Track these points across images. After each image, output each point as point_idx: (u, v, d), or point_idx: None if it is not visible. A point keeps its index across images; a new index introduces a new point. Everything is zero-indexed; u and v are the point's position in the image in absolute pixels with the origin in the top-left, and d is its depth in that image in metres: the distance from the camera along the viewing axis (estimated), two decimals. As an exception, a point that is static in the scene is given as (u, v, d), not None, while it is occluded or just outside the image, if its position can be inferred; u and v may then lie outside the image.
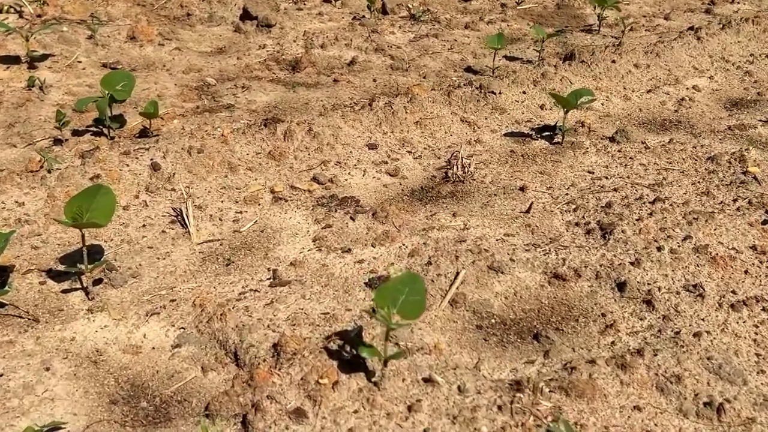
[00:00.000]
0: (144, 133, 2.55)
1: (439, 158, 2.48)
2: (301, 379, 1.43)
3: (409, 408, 1.38)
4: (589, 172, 2.39)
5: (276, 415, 1.37)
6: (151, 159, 2.24)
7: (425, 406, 1.39)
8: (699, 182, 2.26)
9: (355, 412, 1.37)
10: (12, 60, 3.06)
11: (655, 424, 1.41)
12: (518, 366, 1.56)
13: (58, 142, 2.48)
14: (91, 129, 2.60)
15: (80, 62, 3.18)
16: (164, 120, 2.68)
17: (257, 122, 2.52)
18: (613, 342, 1.63)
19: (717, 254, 1.85)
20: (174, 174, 2.22)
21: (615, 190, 2.21)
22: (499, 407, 1.38)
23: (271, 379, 1.44)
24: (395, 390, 1.41)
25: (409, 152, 2.51)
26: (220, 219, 2.10)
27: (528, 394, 1.41)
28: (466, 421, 1.35)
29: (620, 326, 1.67)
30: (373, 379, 1.43)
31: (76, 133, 2.57)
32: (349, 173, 2.36)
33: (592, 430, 1.38)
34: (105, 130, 2.54)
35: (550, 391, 1.43)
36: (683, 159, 2.45)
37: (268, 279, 1.84)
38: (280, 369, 1.47)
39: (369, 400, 1.38)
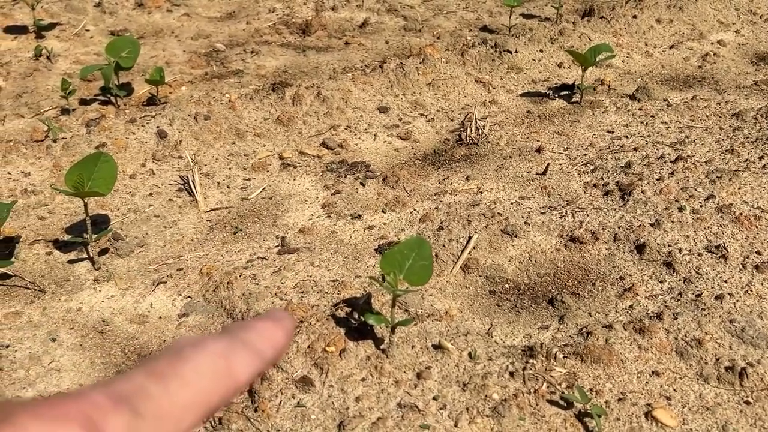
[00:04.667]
0: (151, 101, 2.50)
1: (452, 120, 2.41)
2: (308, 347, 1.40)
3: (418, 375, 1.34)
4: (609, 131, 2.31)
5: (282, 383, 1.34)
6: (158, 126, 2.20)
7: (435, 374, 1.35)
8: (723, 140, 2.17)
9: (363, 380, 1.33)
10: (19, 30, 3.03)
11: (675, 390, 1.36)
12: (532, 332, 1.51)
13: (65, 111, 2.44)
14: (99, 98, 2.56)
15: (88, 30, 3.13)
16: (172, 87, 2.63)
17: (265, 87, 2.47)
18: (631, 306, 1.57)
19: (741, 214, 1.77)
20: (181, 141, 2.18)
21: (635, 149, 2.13)
22: (511, 374, 1.33)
23: (278, 348, 1.41)
24: (404, 357, 1.38)
25: (421, 115, 2.44)
26: (227, 186, 2.06)
27: (541, 360, 1.36)
28: (477, 388, 1.31)
29: (639, 290, 1.61)
30: (381, 347, 1.39)
31: (83, 102, 2.53)
32: (359, 138, 2.31)
33: (608, 396, 1.33)
34: (112, 99, 2.51)
35: (564, 357, 1.38)
36: (707, 116, 2.35)
37: (276, 246, 1.80)
38: (286, 337, 1.43)
39: (377, 367, 1.35)
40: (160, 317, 1.61)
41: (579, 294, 1.62)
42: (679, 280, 1.62)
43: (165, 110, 2.29)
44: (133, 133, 2.19)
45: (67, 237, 1.84)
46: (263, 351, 0.33)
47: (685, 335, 1.44)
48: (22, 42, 2.96)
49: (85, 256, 1.77)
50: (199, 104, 2.30)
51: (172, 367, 0.30)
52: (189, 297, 1.64)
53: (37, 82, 2.67)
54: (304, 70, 2.79)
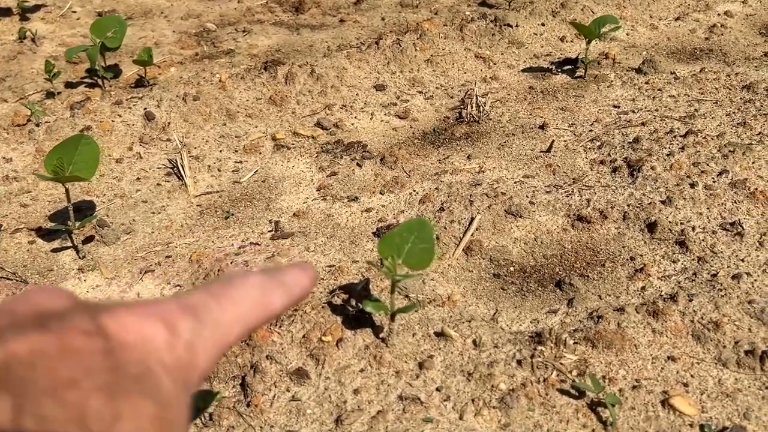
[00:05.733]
0: (140, 82, 2.41)
1: (452, 98, 2.32)
2: (303, 336, 1.32)
3: (420, 365, 1.26)
4: (615, 106, 2.22)
5: (276, 376, 1.27)
6: (145, 108, 2.11)
7: (437, 363, 1.27)
8: (734, 113, 2.08)
9: (361, 371, 1.26)
10: (2, 12, 2.93)
11: (692, 375, 1.28)
12: (539, 316, 1.44)
13: (50, 95, 2.35)
14: (85, 80, 2.47)
15: (74, 12, 3.03)
16: (161, 68, 2.54)
17: (257, 66, 2.37)
18: (643, 287, 1.49)
19: (756, 189, 1.69)
20: (169, 123, 2.09)
21: (643, 124, 2.05)
22: (519, 362, 1.26)
23: (271, 338, 1.33)
24: (405, 346, 1.30)
25: (419, 92, 2.35)
26: (218, 170, 1.98)
27: (550, 346, 1.28)
28: (483, 378, 1.24)
29: (651, 270, 1.53)
30: (380, 335, 1.31)
31: (69, 85, 2.44)
32: (355, 117, 2.22)
33: (621, 383, 1.26)
34: (99, 81, 2.41)
35: (574, 343, 1.30)
36: (716, 89, 2.26)
37: (269, 231, 1.72)
38: (280, 327, 1.36)
39: (376, 357, 1.27)
40: (148, 307, 1.53)
41: (588, 276, 1.54)
42: (693, 259, 1.54)
43: (153, 91, 2.20)
44: (120, 116, 2.10)
45: (51, 225, 1.76)
46: (292, 289, 0.41)
47: (702, 318, 1.36)
48: (6, 24, 2.86)
49: (69, 244, 1.69)
50: (188, 85, 2.21)
51: (225, 289, 0.38)
52: (178, 285, 1.57)
53: (21, 66, 2.58)
54: (297, 49, 2.69)
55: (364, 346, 1.29)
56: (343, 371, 1.25)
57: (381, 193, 1.84)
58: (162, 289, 1.56)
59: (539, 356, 1.26)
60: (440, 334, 1.32)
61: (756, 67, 2.41)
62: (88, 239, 1.71)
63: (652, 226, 1.63)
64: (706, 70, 2.36)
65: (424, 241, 1.22)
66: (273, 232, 1.71)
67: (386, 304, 1.26)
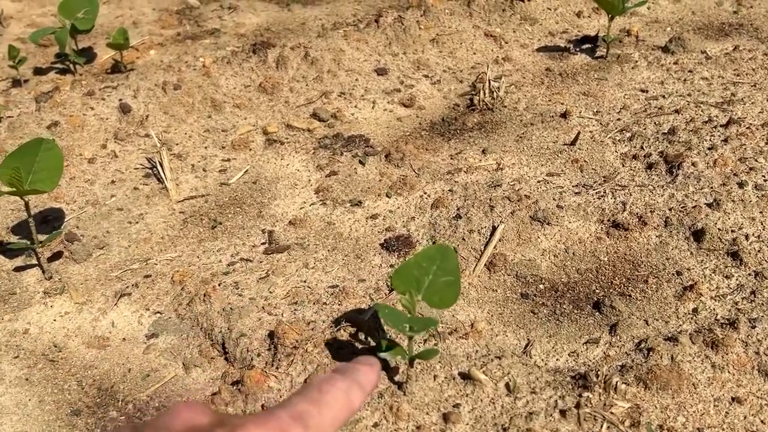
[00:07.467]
0: (116, 68, 2.18)
1: (461, 82, 2.10)
2: (305, 381, 1.12)
3: (445, 417, 1.07)
4: (642, 90, 2.00)
5: (274, 431, 1.07)
6: (120, 99, 1.89)
7: (465, 414, 1.07)
8: (777, 97, 1.87)
9: (375, 425, 1.06)
10: (-36, -11, 2.67)
11: (762, 421, 1.09)
12: (578, 348, 1.24)
13: (17, 83, 2.12)
14: (56, 66, 2.23)
15: (44, -12, 2.77)
16: (139, 51, 2.30)
17: (245, 49, 2.14)
18: (695, 310, 1.30)
19: (815, 189, 1.49)
20: (147, 116, 1.87)
21: (676, 111, 1.83)
22: (562, 412, 1.06)
23: (267, 383, 1.13)
24: (425, 393, 1.10)
25: (425, 76, 2.13)
26: (203, 170, 1.76)
27: (598, 392, 1.09)
28: (520, 433, 1.04)
29: (702, 288, 1.33)
30: (396, 379, 1.12)
31: (38, 71, 2.20)
32: (355, 106, 1.99)
33: (681, 434, 1.07)
34: (71, 66, 2.18)
35: (625, 385, 1.11)
36: (753, 69, 2.05)
37: (262, 244, 1.51)
38: (277, 368, 1.16)
39: (392, 408, 1.07)
40: (124, 339, 1.32)
41: (630, 295, 1.35)
42: (749, 274, 1.35)
43: (129, 80, 1.97)
44: (92, 108, 1.87)
45: (14, 238, 1.55)
46: (365, 386, 0.50)
47: (768, 349, 1.17)
48: (-32, 3, 2.61)
49: (34, 262, 1.48)
50: (169, 71, 1.98)
51: (320, 396, 0.47)
52: (158, 312, 1.36)
53: (-16, 50, 2.34)
54: (288, 28, 2.46)
55: (377, 393, 1.09)
56: (354, 426, 1.06)
57: (387, 196, 1.63)
58: (140, 317, 1.35)
59: (586, 405, 1.06)
60: (466, 377, 1.12)
61: (793, 43, 2.20)
62: (56, 255, 1.50)
63: (698, 234, 1.43)
64: (739, 48, 2.14)
65: (447, 272, 1.02)
66: (266, 245, 1.51)
67: (404, 347, 1.06)
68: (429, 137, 1.87)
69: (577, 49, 2.24)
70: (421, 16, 2.28)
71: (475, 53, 2.23)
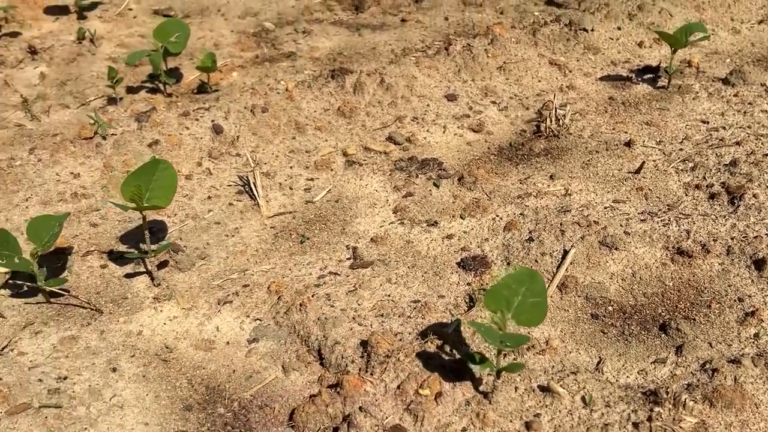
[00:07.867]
0: (202, 88, 2.34)
1: (527, 109, 2.21)
2: (398, 387, 1.25)
3: (527, 426, 1.18)
4: (703, 121, 2.09)
5: (372, 431, 1.20)
6: (213, 120, 2.05)
7: (545, 423, 1.19)
8: (837, 132, 1.94)
9: (464, 430, 1.18)
10: (60, 10, 2.88)
11: (820, 442, 1.18)
12: (647, 366, 1.34)
13: (112, 101, 2.30)
14: (146, 85, 2.41)
15: (131, 9, 2.97)
16: (223, 73, 2.47)
17: (323, 74, 2.29)
18: (756, 334, 1.39)
19: None
20: (238, 137, 2.02)
21: (737, 143, 1.92)
22: (635, 425, 1.17)
23: (363, 387, 1.26)
24: (508, 402, 1.22)
25: (493, 103, 2.25)
26: (290, 188, 1.90)
27: (668, 408, 1.19)
28: (595, 442, 1.15)
29: (763, 314, 1.42)
30: (481, 388, 1.23)
31: (130, 90, 2.38)
32: (427, 130, 2.12)
33: (744, 450, 1.16)
34: (161, 86, 2.35)
35: (692, 402, 1.21)
36: (813, 103, 2.12)
37: (348, 259, 1.65)
38: (372, 374, 1.28)
39: (479, 415, 1.19)
40: (228, 342, 1.47)
41: (694, 319, 1.44)
42: (809, 303, 1.43)
43: (219, 101, 2.13)
44: (187, 128, 2.03)
45: (122, 247, 1.71)
46: None
47: (828, 375, 1.26)
48: (64, 23, 2.81)
49: (143, 269, 1.64)
50: (255, 95, 2.14)
51: None
52: (258, 319, 1.50)
53: (81, 68, 2.53)
54: (360, 52, 2.60)
55: (464, 401, 1.21)
56: (444, 430, 1.18)
57: (461, 218, 1.75)
58: (241, 323, 1.50)
59: (657, 419, 1.17)
60: (545, 389, 1.23)
61: None
62: (163, 264, 1.65)
63: (759, 263, 1.52)
64: (799, 81, 2.22)
65: (535, 294, 1.14)
66: (351, 260, 1.64)
67: (493, 361, 1.18)
68: (498, 161, 1.99)
69: (639, 79, 2.33)
70: (489, 44, 2.40)
71: (540, 81, 2.34)
